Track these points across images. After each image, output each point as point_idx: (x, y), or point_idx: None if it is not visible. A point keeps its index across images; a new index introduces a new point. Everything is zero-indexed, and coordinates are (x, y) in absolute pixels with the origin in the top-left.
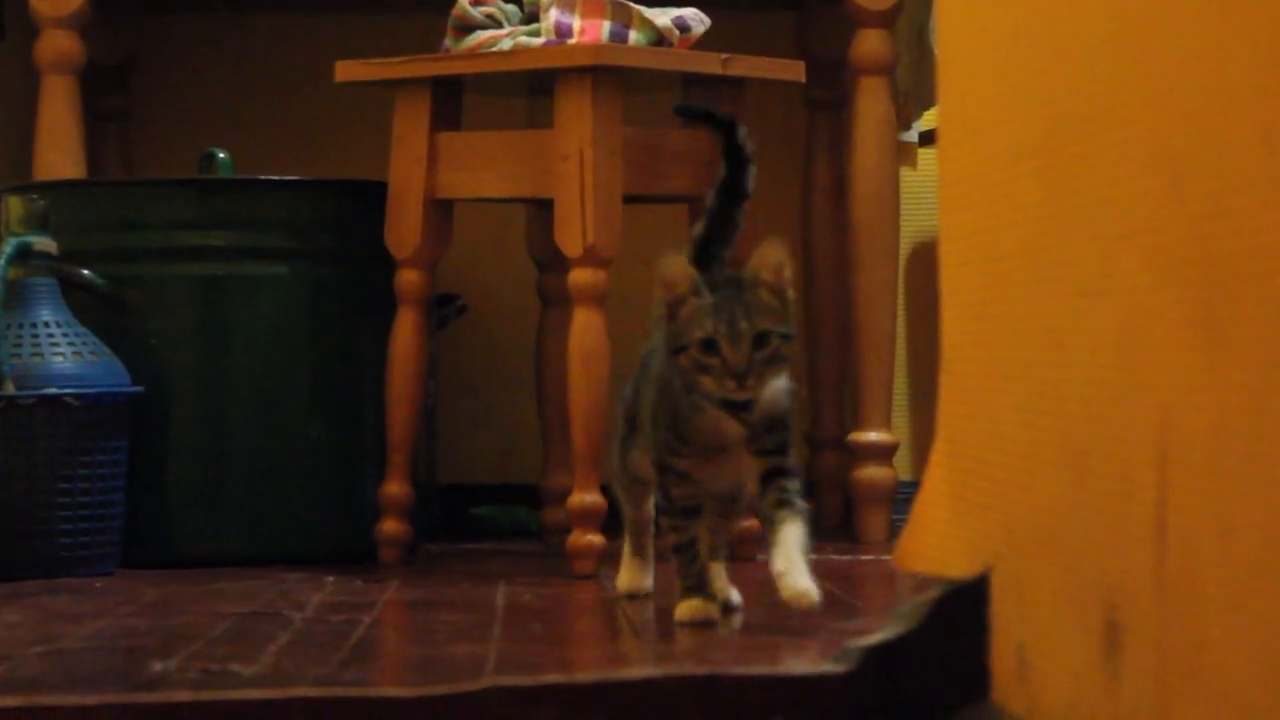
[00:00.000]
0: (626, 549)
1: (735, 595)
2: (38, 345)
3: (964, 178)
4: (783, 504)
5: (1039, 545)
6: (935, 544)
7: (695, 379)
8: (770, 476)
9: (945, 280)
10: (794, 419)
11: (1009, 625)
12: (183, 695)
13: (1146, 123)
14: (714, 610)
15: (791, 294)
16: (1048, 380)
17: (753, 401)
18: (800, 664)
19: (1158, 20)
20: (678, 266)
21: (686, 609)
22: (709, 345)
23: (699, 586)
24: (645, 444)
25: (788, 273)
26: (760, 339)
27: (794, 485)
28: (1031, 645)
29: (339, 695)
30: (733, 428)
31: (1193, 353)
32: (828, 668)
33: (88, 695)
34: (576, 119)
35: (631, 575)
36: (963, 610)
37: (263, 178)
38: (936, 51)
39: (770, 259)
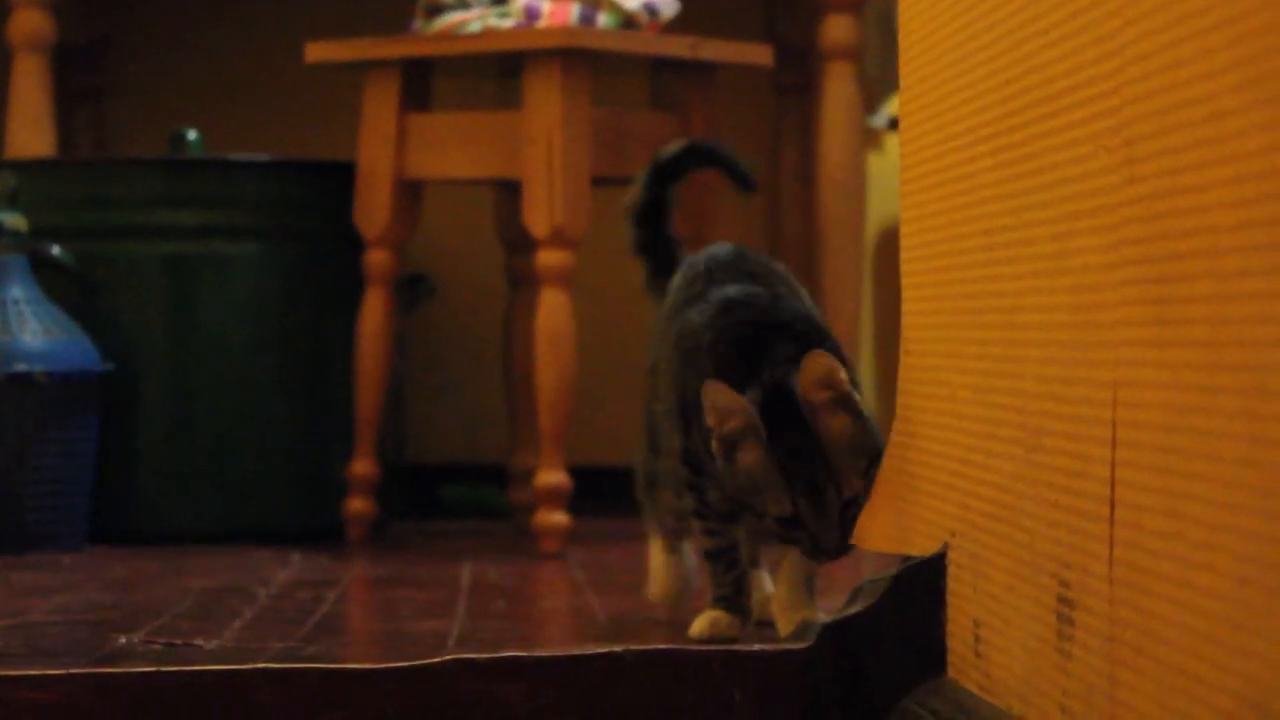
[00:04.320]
0: (655, 549)
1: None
2: (7, 322)
3: (924, 160)
4: None
5: (995, 523)
6: (894, 522)
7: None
8: None
9: (905, 262)
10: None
11: (965, 602)
12: (146, 668)
13: (1101, 103)
14: (736, 627)
15: (858, 397)
16: (1004, 359)
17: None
18: (760, 640)
19: (1112, 1)
20: (728, 399)
21: (705, 622)
22: (792, 524)
23: (731, 598)
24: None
25: (842, 375)
26: (850, 502)
27: None
28: (987, 622)
29: (301, 668)
30: None
31: (1144, 330)
32: (787, 644)
33: (51, 667)
34: (545, 101)
35: (666, 580)
36: (920, 588)
37: (233, 157)
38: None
39: (815, 376)
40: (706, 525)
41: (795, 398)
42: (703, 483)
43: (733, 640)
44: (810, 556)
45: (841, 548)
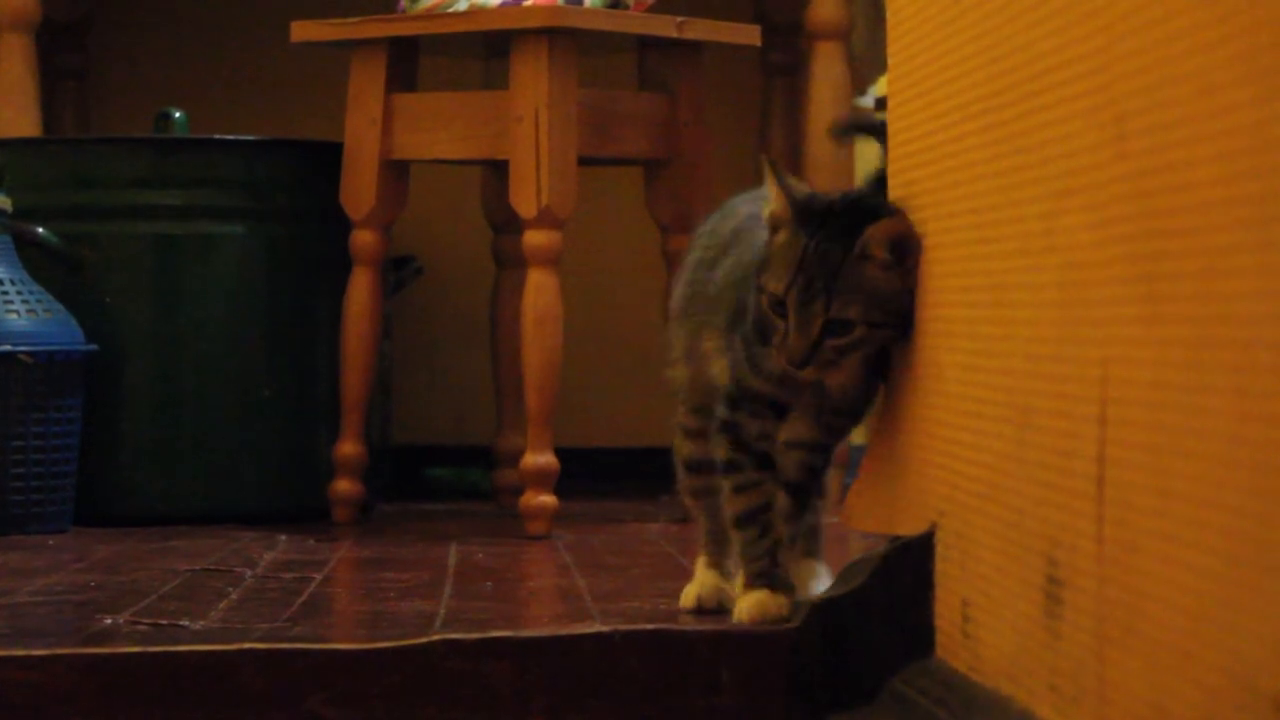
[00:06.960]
0: (701, 561)
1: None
2: None
3: (912, 138)
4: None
5: (983, 501)
6: (882, 502)
7: (763, 326)
8: (799, 481)
9: None
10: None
11: (953, 582)
12: (131, 648)
13: (1090, 79)
14: (787, 607)
15: (913, 281)
16: (992, 338)
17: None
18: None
19: None
20: (780, 183)
21: (752, 603)
22: (778, 305)
23: (768, 571)
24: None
25: (915, 251)
26: (838, 326)
27: (815, 503)
28: (975, 601)
29: (287, 649)
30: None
31: (1132, 307)
32: (774, 625)
33: (37, 648)
34: (532, 80)
35: (703, 586)
36: (908, 567)
37: (218, 137)
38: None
39: (883, 234)
40: (737, 480)
41: (857, 232)
42: (739, 417)
43: (784, 618)
44: (779, 349)
45: (804, 364)
